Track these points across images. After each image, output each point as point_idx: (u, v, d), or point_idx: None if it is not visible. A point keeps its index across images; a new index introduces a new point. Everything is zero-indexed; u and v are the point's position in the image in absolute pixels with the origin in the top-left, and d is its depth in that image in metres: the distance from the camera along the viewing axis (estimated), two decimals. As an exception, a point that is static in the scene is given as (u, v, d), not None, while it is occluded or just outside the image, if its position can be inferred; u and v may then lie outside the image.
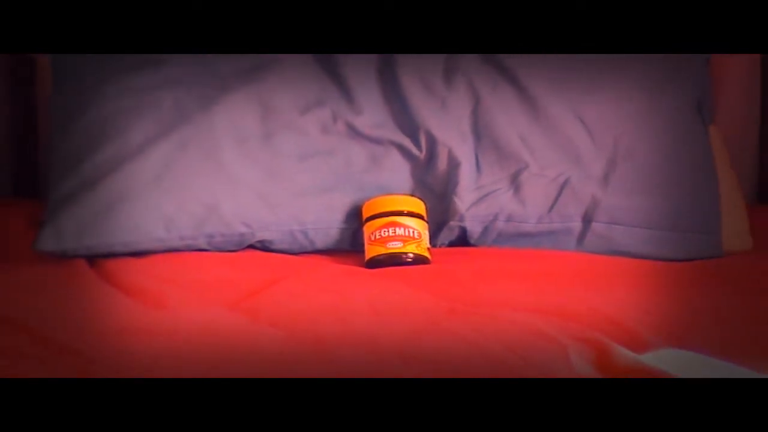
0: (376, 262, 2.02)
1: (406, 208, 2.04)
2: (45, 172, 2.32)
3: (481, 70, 2.15)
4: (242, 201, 2.05)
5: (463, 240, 2.11)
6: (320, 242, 2.08)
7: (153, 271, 1.97)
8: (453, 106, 2.13)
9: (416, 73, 2.14)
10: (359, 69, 2.15)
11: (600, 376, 1.65)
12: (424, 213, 2.05)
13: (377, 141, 2.10)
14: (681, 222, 2.10)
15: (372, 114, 2.12)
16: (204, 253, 2.05)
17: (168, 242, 2.03)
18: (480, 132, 2.11)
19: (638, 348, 1.71)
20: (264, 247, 2.07)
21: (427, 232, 2.05)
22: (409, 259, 2.02)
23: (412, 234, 2.02)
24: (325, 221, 2.07)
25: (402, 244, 2.02)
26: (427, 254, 2.03)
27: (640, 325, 1.76)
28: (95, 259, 2.01)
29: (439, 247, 2.10)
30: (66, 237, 2.00)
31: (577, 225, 2.09)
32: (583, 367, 1.66)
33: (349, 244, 2.08)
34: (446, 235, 2.10)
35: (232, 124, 2.09)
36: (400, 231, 2.02)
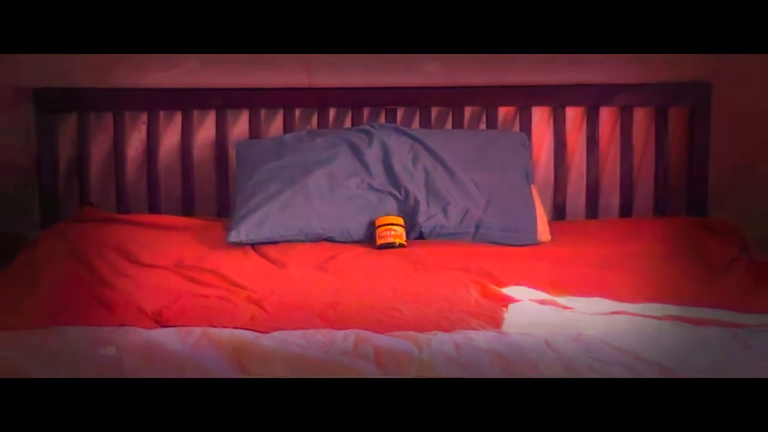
0: (382, 247, 1.95)
1: (395, 222, 1.97)
2: (232, 206, 2.21)
3: (430, 160, 2.07)
4: (321, 220, 1.98)
5: (421, 237, 2.03)
6: (356, 237, 1.99)
7: (280, 250, 1.92)
8: (416, 176, 2.05)
9: (400, 161, 2.06)
10: (374, 159, 2.06)
11: (483, 300, 1.61)
12: (403, 224, 1.98)
13: (382, 192, 2.03)
14: (519, 227, 2.00)
15: (379, 179, 2.05)
16: (302, 243, 1.97)
17: (287, 237, 1.96)
18: (429, 188, 2.03)
19: (501, 285, 1.70)
20: (330, 239, 1.99)
21: (404, 233, 1.98)
22: (397, 245, 1.95)
23: (398, 234, 1.96)
24: (358, 228, 1.99)
25: (393, 238, 1.95)
26: (405, 243, 1.97)
27: (501, 275, 1.74)
28: (255, 245, 1.95)
29: (410, 240, 2.01)
30: (242, 235, 1.94)
31: (472, 230, 2.00)
32: (474, 294, 1.65)
33: (369, 239, 1.99)
34: (413, 235, 2.02)
35: (316, 185, 2.02)
36: (392, 232, 1.95)
